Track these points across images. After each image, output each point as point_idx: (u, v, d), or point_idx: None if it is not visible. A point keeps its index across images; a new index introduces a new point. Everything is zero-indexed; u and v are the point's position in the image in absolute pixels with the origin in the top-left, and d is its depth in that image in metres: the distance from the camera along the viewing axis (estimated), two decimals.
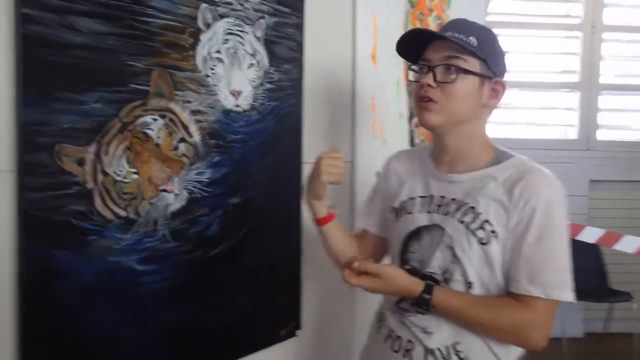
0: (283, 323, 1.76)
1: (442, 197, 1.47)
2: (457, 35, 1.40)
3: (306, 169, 1.77)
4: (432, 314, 1.39)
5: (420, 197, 1.51)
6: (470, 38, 1.40)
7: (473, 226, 1.39)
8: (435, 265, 1.43)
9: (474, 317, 1.38)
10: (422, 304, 1.38)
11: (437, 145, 1.51)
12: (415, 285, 1.39)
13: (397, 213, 1.55)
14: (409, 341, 1.45)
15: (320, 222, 1.61)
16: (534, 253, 1.34)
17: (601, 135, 5.03)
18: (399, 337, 1.48)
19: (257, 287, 1.66)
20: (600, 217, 4.83)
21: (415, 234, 1.49)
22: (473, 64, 1.40)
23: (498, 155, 1.45)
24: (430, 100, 1.41)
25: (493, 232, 1.37)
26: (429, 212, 1.47)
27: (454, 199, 1.44)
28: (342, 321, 2.03)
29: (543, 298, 1.33)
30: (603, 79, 5.00)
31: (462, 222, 1.40)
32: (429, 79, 1.41)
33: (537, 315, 1.35)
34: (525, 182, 1.36)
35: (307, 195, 1.60)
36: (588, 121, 5.01)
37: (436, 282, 1.41)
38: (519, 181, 1.36)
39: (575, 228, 3.36)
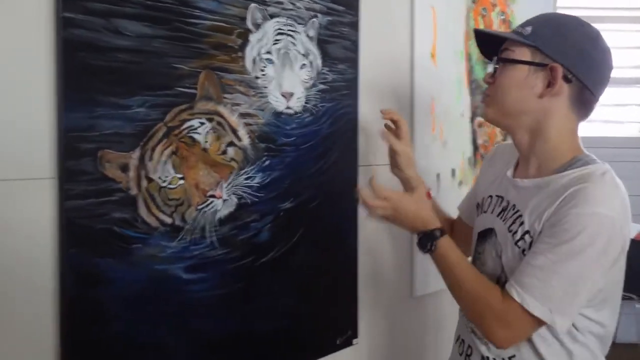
0: (339, 331, 1.69)
1: (508, 201, 1.40)
2: (518, 27, 1.37)
3: (362, 172, 1.71)
4: None
5: (497, 196, 1.46)
6: (526, 28, 1.33)
7: (517, 236, 1.32)
8: (490, 274, 1.38)
9: (461, 279, 1.32)
10: (427, 240, 1.35)
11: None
12: (431, 221, 1.38)
13: (477, 209, 1.53)
14: (469, 346, 1.43)
15: None
16: (535, 257, 1.24)
17: None
18: (463, 340, 1.47)
19: (311, 295, 1.60)
20: None
21: (483, 235, 1.46)
22: (522, 53, 1.33)
23: (574, 161, 1.32)
24: (487, 95, 1.41)
25: (527, 232, 1.30)
26: (497, 214, 1.42)
27: (513, 205, 1.37)
28: (401, 329, 1.96)
29: (518, 302, 1.23)
30: None
31: (510, 230, 1.35)
32: (487, 75, 1.40)
33: (508, 315, 1.25)
34: (572, 191, 1.23)
35: (395, 170, 1.61)
36: None
37: None
38: (568, 189, 1.24)
39: None
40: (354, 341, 1.74)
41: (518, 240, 1.31)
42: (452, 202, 1.76)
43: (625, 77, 4.76)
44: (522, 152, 1.41)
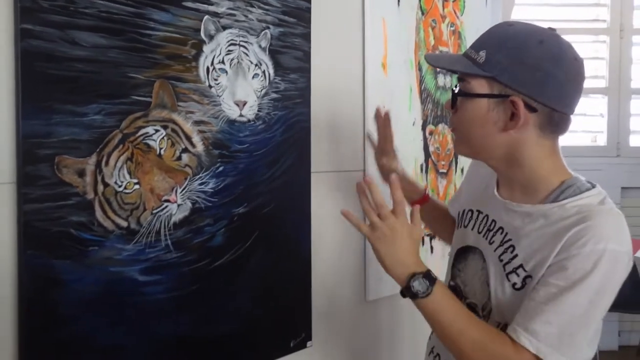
0: (293, 334, 1.74)
1: (494, 221, 1.33)
2: (471, 51, 1.25)
3: (315, 178, 1.78)
4: None
5: (477, 211, 1.40)
6: (480, 53, 1.21)
7: (508, 268, 1.25)
8: (475, 297, 1.35)
9: (463, 327, 1.21)
10: (420, 284, 1.21)
11: None
12: (417, 265, 1.24)
13: (458, 221, 1.48)
14: None
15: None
16: (547, 299, 1.15)
17: (634, 141, 4.91)
18: (438, 354, 1.44)
19: (265, 298, 1.64)
20: (635, 225, 4.71)
21: (464, 251, 1.41)
22: (479, 84, 1.22)
23: (565, 188, 1.23)
24: (453, 127, 1.35)
25: (529, 276, 1.21)
26: (479, 232, 1.37)
27: (501, 228, 1.30)
28: (353, 332, 2.01)
29: (532, 352, 1.15)
30: (635, 84, 4.90)
31: (500, 260, 1.27)
32: (447, 102, 1.33)
33: None
34: (583, 226, 1.14)
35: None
36: (617, 127, 4.92)
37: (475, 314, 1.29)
38: (575, 226, 1.15)
39: (636, 243, 3.20)
40: (308, 343, 1.78)
41: (510, 273, 1.24)
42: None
43: None
44: (502, 176, 1.34)
